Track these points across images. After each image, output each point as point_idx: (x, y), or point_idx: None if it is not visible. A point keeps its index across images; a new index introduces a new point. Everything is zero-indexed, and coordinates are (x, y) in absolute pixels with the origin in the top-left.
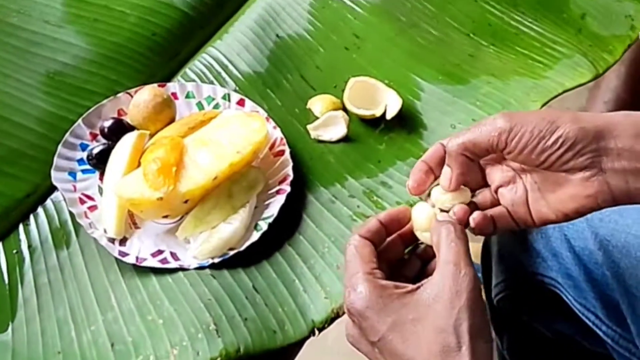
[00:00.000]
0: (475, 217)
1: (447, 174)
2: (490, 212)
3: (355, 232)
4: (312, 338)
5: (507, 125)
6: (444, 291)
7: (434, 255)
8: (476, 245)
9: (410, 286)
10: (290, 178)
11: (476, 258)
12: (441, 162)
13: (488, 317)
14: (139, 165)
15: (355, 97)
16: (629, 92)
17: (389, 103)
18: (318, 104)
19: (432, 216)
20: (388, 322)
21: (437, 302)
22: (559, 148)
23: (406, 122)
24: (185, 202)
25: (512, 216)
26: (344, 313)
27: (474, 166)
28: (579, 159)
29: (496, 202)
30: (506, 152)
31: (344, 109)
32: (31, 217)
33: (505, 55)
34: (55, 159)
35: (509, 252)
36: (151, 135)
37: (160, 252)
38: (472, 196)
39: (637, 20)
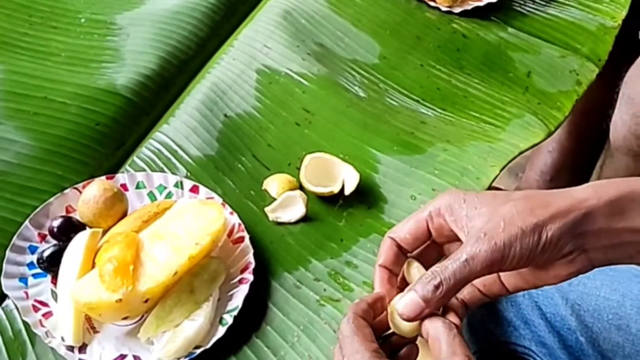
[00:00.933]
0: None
1: (416, 306)
2: (460, 295)
3: (350, 310)
4: None
5: (497, 255)
6: None
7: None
8: None
9: None
10: (252, 266)
11: None
12: (398, 260)
13: None
14: (93, 266)
15: (311, 174)
16: (573, 140)
17: (347, 178)
18: (274, 184)
19: None
20: None
21: None
22: (546, 252)
23: (365, 196)
24: (146, 301)
25: (484, 293)
26: None
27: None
28: (564, 249)
29: None
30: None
31: (301, 188)
32: None
33: (457, 119)
34: (4, 265)
35: (479, 322)
36: (104, 232)
37: (122, 356)
38: None
39: (582, 75)
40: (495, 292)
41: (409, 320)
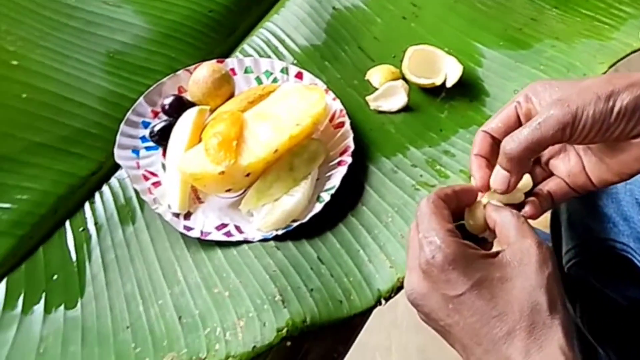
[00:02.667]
0: (527, 210)
1: (504, 178)
2: (546, 187)
3: (432, 193)
4: (379, 308)
5: (569, 117)
6: (531, 257)
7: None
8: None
9: (489, 252)
10: (352, 149)
11: (545, 228)
12: (492, 150)
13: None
14: (200, 140)
15: (414, 66)
16: None
17: (449, 71)
18: (377, 74)
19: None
20: (475, 277)
21: (525, 266)
22: (621, 122)
23: (467, 89)
24: (247, 175)
25: (570, 185)
26: None
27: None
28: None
29: (548, 175)
30: (569, 141)
31: (403, 79)
32: (96, 195)
33: (569, 17)
34: (118, 137)
35: (579, 218)
36: (211, 111)
37: (224, 225)
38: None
39: None
40: (580, 185)
41: (503, 192)
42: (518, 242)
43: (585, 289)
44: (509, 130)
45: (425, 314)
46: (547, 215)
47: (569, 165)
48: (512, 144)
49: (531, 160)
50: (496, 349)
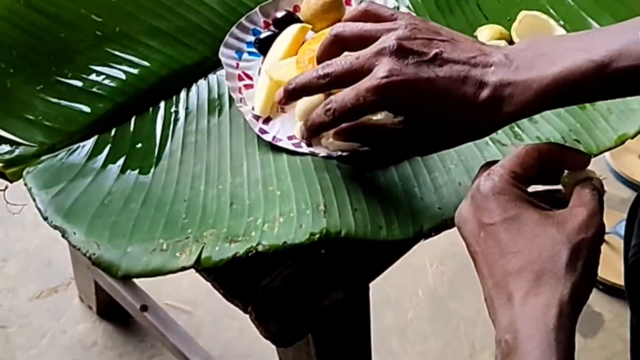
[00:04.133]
0: None
1: None
2: None
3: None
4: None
5: None
6: (574, 219)
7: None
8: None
9: (540, 204)
10: None
11: None
12: None
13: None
14: (296, 54)
15: (524, 31)
16: None
17: None
18: (485, 32)
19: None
20: (511, 213)
21: (564, 223)
22: None
23: None
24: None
25: None
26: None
27: None
28: None
29: None
30: None
31: (511, 43)
32: (194, 85)
33: None
34: (227, 36)
35: None
36: (315, 32)
37: (296, 136)
38: None
39: None
40: None
41: None
42: (573, 207)
43: None
44: None
45: (463, 237)
46: None
47: None
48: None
49: None
50: (503, 283)
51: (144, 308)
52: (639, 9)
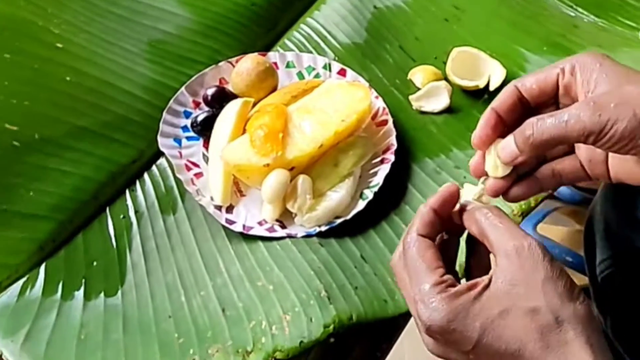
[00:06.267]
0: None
1: (513, 152)
2: (558, 165)
3: (410, 229)
4: None
5: (597, 127)
6: (519, 272)
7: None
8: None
9: (482, 281)
10: (394, 147)
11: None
12: (514, 109)
13: (570, 278)
14: (244, 132)
15: (457, 67)
16: None
17: (493, 74)
18: (419, 74)
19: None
20: (477, 327)
21: (516, 286)
22: None
23: None
24: (291, 169)
25: (586, 171)
26: None
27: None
28: None
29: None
30: (594, 145)
31: (446, 80)
32: (137, 182)
33: (610, 26)
34: (161, 125)
35: (616, 228)
36: (254, 104)
37: (266, 220)
38: None
39: None
40: (596, 173)
41: (505, 163)
42: (501, 253)
43: (618, 299)
44: (542, 96)
45: None
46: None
47: (592, 152)
48: (534, 130)
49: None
50: None
51: None
52: (555, 26)
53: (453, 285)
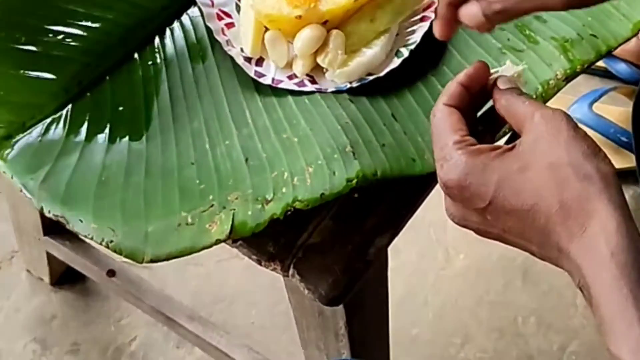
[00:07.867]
0: None
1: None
2: None
3: (438, 101)
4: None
5: None
6: (543, 134)
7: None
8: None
9: (506, 146)
10: (436, 5)
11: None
12: None
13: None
14: None
15: None
16: None
17: None
18: None
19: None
20: (494, 180)
21: (539, 145)
22: None
23: None
24: (324, 23)
25: None
26: None
27: None
28: None
29: None
30: None
31: None
32: (167, 30)
33: None
34: None
35: None
36: None
37: (297, 75)
38: None
39: None
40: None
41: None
42: (528, 122)
43: None
44: None
45: (475, 231)
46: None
47: None
48: None
49: None
50: (545, 241)
51: (111, 273)
52: None
53: (474, 145)
